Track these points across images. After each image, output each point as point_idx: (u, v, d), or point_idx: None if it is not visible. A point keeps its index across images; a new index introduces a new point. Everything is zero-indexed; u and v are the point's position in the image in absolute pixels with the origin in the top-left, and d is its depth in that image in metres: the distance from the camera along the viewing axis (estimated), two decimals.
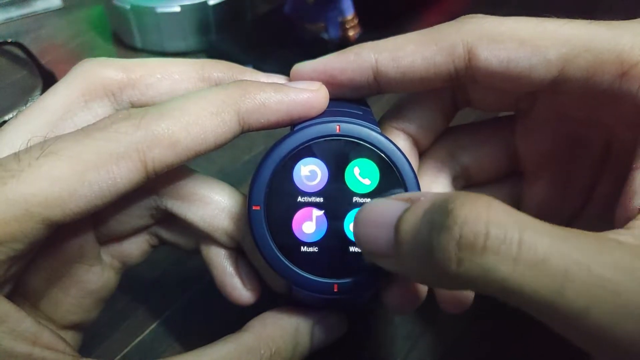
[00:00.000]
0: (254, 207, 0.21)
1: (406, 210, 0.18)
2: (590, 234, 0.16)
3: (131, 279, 0.27)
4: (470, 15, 0.22)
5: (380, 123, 0.26)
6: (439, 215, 0.16)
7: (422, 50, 0.22)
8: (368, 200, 0.22)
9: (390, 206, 0.19)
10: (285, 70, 0.24)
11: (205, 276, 0.26)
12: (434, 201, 0.17)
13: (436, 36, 0.22)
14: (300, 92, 0.22)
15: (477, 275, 0.15)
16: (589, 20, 0.21)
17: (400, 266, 0.18)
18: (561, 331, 0.16)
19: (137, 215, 0.24)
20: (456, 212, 0.15)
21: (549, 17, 0.21)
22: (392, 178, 0.22)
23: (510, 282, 0.15)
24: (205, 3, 0.50)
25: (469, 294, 0.24)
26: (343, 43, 0.47)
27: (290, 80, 0.24)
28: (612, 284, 0.14)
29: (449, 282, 0.17)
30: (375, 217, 0.19)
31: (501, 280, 0.15)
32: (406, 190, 0.22)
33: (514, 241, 0.15)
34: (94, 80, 0.23)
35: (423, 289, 0.24)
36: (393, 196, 0.20)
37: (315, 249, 0.22)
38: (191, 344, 0.22)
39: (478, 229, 0.15)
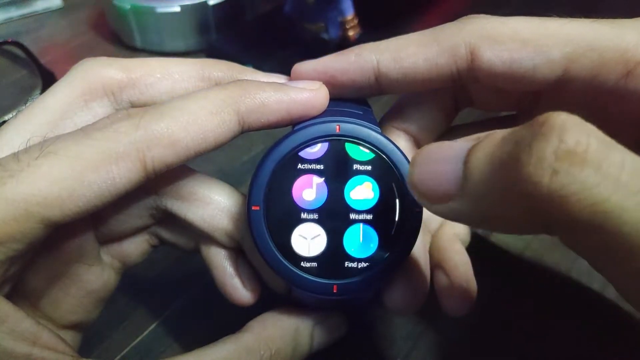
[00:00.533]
0: (253, 208, 0.21)
1: (479, 142, 0.16)
2: None
3: (131, 279, 0.27)
4: (472, 15, 0.22)
5: (381, 123, 0.26)
6: (528, 130, 0.14)
7: (424, 51, 0.22)
8: (367, 199, 0.22)
9: (456, 143, 0.17)
10: (285, 70, 0.24)
11: (205, 276, 0.26)
12: (514, 128, 0.15)
13: (438, 37, 0.22)
14: (300, 91, 0.22)
15: (572, 192, 0.13)
16: (592, 19, 0.21)
17: (466, 205, 0.16)
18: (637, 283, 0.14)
19: (136, 215, 0.24)
20: (553, 119, 0.14)
21: (551, 16, 0.21)
22: (392, 179, 0.21)
23: (608, 204, 0.13)
24: (205, 3, 0.50)
25: (471, 296, 0.24)
26: (343, 43, 0.47)
27: (290, 79, 0.24)
28: None
29: (528, 211, 0.14)
30: (439, 152, 0.17)
31: (599, 202, 0.13)
32: (407, 192, 0.22)
33: (617, 161, 0.13)
34: (93, 79, 0.23)
35: (424, 289, 0.24)
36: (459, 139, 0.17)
37: (314, 249, 0.22)
38: (191, 344, 0.22)
39: (580, 137, 0.13)
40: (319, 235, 0.22)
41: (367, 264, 0.22)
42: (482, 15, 0.22)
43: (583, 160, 0.13)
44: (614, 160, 0.13)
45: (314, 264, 0.22)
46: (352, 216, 0.22)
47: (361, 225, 0.22)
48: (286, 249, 0.22)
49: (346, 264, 0.22)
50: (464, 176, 0.16)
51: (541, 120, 0.14)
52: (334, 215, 0.22)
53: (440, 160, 0.17)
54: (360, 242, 0.22)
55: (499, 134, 0.15)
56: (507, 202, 0.15)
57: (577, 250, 0.15)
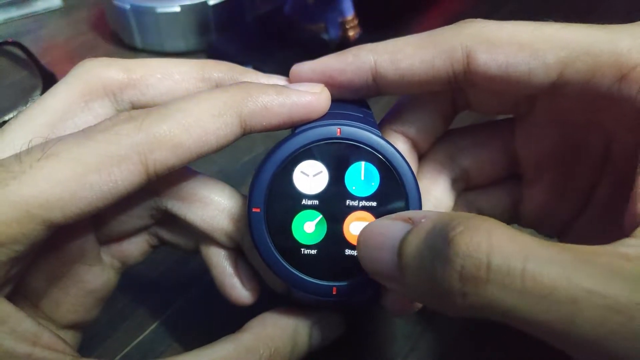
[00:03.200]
0: (253, 209, 0.21)
1: (408, 233, 0.17)
2: (598, 250, 0.16)
3: (131, 279, 0.27)
4: (470, 19, 0.22)
5: (380, 126, 0.26)
6: (441, 242, 0.16)
7: (421, 53, 0.22)
8: (368, 203, 0.22)
9: (392, 228, 0.18)
10: (285, 71, 0.24)
11: (205, 276, 0.26)
12: (435, 225, 0.17)
13: (435, 39, 0.22)
14: (302, 94, 0.22)
15: (482, 307, 0.15)
16: (588, 24, 0.21)
17: (406, 290, 0.18)
18: (576, 356, 0.16)
19: (137, 215, 0.24)
20: (457, 242, 0.15)
21: (547, 20, 0.21)
22: (392, 181, 0.22)
23: (517, 312, 0.15)
24: (205, 3, 0.50)
25: None
26: (343, 43, 0.48)
27: (289, 80, 0.24)
28: (627, 308, 0.14)
29: (456, 311, 0.16)
30: (378, 239, 0.19)
31: (508, 312, 0.15)
32: (406, 193, 0.22)
33: (517, 272, 0.14)
34: (94, 80, 0.23)
35: None
36: (394, 215, 0.20)
37: (314, 252, 0.22)
38: (191, 344, 0.22)
39: (480, 261, 0.15)
40: (319, 237, 0.22)
41: None
42: (479, 20, 0.22)
43: (486, 281, 0.15)
44: (514, 273, 0.14)
45: (314, 266, 0.22)
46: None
47: (360, 227, 0.22)
48: (286, 251, 0.22)
49: (346, 267, 0.22)
50: (399, 267, 0.18)
51: (449, 238, 0.15)
52: (334, 218, 0.22)
53: (379, 247, 0.19)
54: None
55: (423, 228, 0.17)
56: (435, 299, 0.17)
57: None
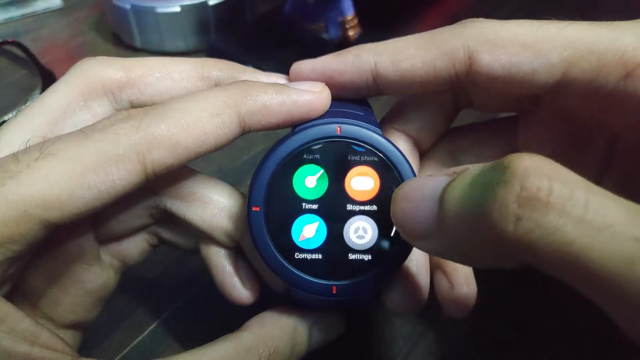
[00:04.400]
0: (253, 208, 0.21)
1: (453, 180, 0.16)
2: None
3: (131, 279, 0.27)
4: (471, 19, 0.22)
5: (381, 124, 0.26)
6: (494, 173, 0.14)
7: (422, 54, 0.22)
8: (368, 203, 0.22)
9: (433, 179, 0.17)
10: (285, 71, 0.24)
11: (204, 276, 0.26)
12: (484, 167, 0.15)
13: (437, 40, 0.22)
14: (302, 93, 0.22)
15: (537, 238, 0.13)
16: (591, 22, 0.21)
17: (443, 243, 0.17)
18: (621, 312, 0.14)
19: (136, 214, 0.24)
20: (515, 165, 0.14)
21: (549, 19, 0.21)
22: (392, 180, 0.22)
23: (575, 246, 0.13)
24: (205, 3, 0.50)
25: (471, 299, 0.24)
26: (343, 43, 0.47)
27: (289, 79, 0.24)
28: None
29: (501, 252, 0.15)
30: (416, 191, 0.18)
31: (565, 244, 0.13)
32: None
33: (581, 201, 0.13)
34: (93, 79, 0.23)
35: (424, 291, 0.24)
36: (435, 173, 0.18)
37: (314, 250, 0.22)
38: (191, 344, 0.22)
39: (541, 183, 0.14)
40: (319, 237, 0.22)
41: (367, 265, 0.22)
42: (481, 19, 0.22)
43: (546, 205, 0.13)
44: (577, 201, 0.13)
45: (314, 265, 0.22)
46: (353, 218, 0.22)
47: (361, 227, 0.22)
48: (286, 250, 0.22)
49: (346, 266, 0.22)
50: (439, 217, 0.16)
51: (505, 164, 0.14)
52: (334, 217, 0.22)
53: (417, 199, 0.18)
54: (360, 242, 0.22)
55: (469, 172, 0.16)
56: (479, 245, 0.15)
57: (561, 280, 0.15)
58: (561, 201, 0.13)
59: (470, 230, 0.15)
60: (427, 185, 0.17)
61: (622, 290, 0.13)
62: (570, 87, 0.21)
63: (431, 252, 0.18)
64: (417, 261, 0.24)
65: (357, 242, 0.22)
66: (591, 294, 0.14)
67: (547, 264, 0.14)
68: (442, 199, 0.16)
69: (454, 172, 0.17)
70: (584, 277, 0.13)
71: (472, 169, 0.16)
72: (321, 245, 0.22)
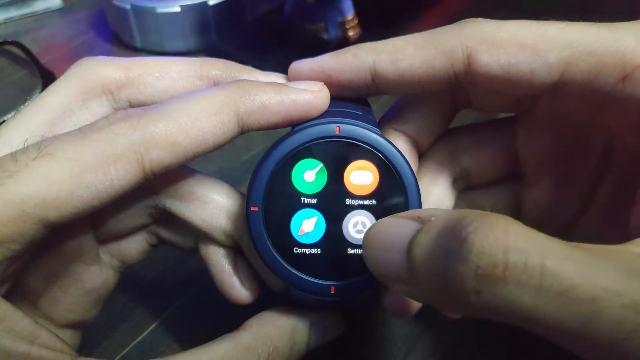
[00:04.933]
0: (252, 208, 0.21)
1: (418, 233, 0.17)
2: (612, 249, 0.15)
3: (131, 278, 0.27)
4: (470, 19, 0.22)
5: (380, 124, 0.26)
6: (454, 241, 0.15)
7: (421, 53, 0.22)
8: (367, 202, 0.22)
9: (400, 227, 0.18)
10: (285, 70, 0.24)
11: (204, 276, 0.26)
12: (446, 223, 0.16)
13: (435, 39, 0.22)
14: (301, 92, 0.22)
15: (497, 306, 0.14)
16: (590, 23, 0.21)
17: (416, 292, 0.18)
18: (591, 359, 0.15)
19: (135, 214, 0.24)
20: (471, 240, 0.15)
21: (548, 19, 0.21)
22: (391, 180, 0.22)
23: (534, 312, 0.14)
24: (205, 3, 0.50)
25: None
26: (343, 43, 0.47)
27: (288, 78, 0.24)
28: None
29: (469, 310, 0.16)
30: (385, 240, 0.18)
31: (524, 311, 0.14)
32: (406, 192, 0.22)
33: (536, 269, 0.14)
34: (92, 79, 0.23)
35: None
36: (402, 214, 0.19)
37: (313, 251, 0.22)
38: (191, 344, 0.22)
39: (496, 258, 0.14)
40: (318, 231, 0.22)
41: (365, 265, 0.22)
42: (480, 19, 0.22)
43: (502, 279, 0.14)
44: (533, 270, 0.14)
45: (313, 263, 0.22)
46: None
47: (360, 221, 0.22)
48: (285, 250, 0.22)
49: (345, 262, 0.22)
50: (408, 268, 0.17)
51: (463, 236, 0.15)
52: (333, 211, 0.22)
53: (388, 248, 0.18)
54: (359, 242, 0.22)
55: (434, 227, 0.16)
56: (449, 301, 0.16)
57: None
58: (517, 273, 0.14)
59: (437, 289, 0.16)
60: (394, 233, 0.18)
61: (584, 341, 0.14)
62: (568, 88, 0.21)
63: (409, 297, 0.19)
64: None
65: (356, 237, 0.22)
66: (560, 344, 0.15)
67: (512, 324, 0.15)
68: (409, 253, 0.17)
69: (419, 217, 0.18)
70: (547, 333, 0.14)
71: (436, 222, 0.17)
72: (320, 239, 0.22)
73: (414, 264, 0.17)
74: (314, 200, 0.21)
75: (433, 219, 0.17)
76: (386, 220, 0.19)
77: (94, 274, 0.24)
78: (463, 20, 0.22)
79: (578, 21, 0.21)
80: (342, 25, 0.47)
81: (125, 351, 0.29)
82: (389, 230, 0.18)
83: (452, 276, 0.15)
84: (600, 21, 0.21)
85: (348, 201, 0.22)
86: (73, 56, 0.53)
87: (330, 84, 0.23)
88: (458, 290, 0.15)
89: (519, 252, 0.14)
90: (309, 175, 0.22)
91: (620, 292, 0.14)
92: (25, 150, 0.18)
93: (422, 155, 0.26)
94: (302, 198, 0.21)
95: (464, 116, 0.27)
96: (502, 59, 0.21)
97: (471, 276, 0.15)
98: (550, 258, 0.14)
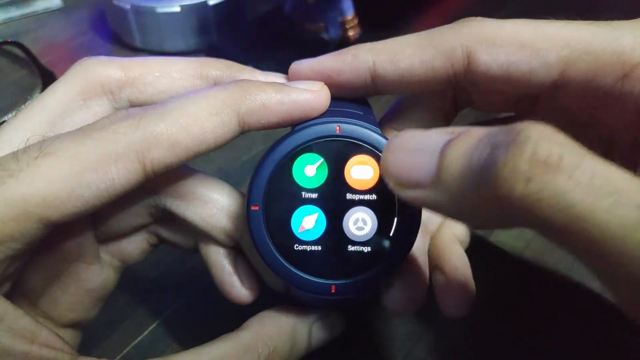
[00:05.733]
0: (252, 207, 0.21)
1: (455, 137, 0.17)
2: None
3: (131, 278, 0.27)
4: (470, 18, 0.22)
5: (380, 124, 0.26)
6: (505, 136, 0.15)
7: (421, 53, 0.22)
8: (367, 197, 0.21)
9: (433, 133, 0.18)
10: (285, 71, 0.24)
11: (204, 276, 0.26)
12: (491, 129, 0.16)
13: (435, 39, 0.22)
14: (301, 92, 0.22)
15: (545, 198, 0.14)
16: (589, 22, 0.21)
17: (439, 197, 0.17)
18: (616, 280, 0.14)
19: (135, 213, 0.24)
20: (529, 130, 0.14)
21: (548, 18, 0.21)
22: None
23: (579, 208, 0.14)
24: (205, 3, 0.50)
25: (470, 298, 0.24)
26: (343, 43, 0.48)
27: (288, 78, 0.24)
28: None
29: (503, 213, 0.15)
30: (415, 140, 0.18)
31: (571, 206, 0.14)
32: None
33: (589, 169, 0.14)
34: (92, 78, 0.23)
35: (423, 290, 0.24)
36: (434, 129, 0.18)
37: (313, 250, 0.22)
38: (190, 344, 0.22)
39: (553, 149, 0.14)
40: (319, 228, 0.22)
41: (366, 261, 0.22)
42: (479, 18, 0.22)
43: (556, 169, 0.14)
44: (585, 168, 0.14)
45: (313, 264, 0.22)
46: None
47: (360, 218, 0.22)
48: (285, 249, 0.22)
49: (345, 259, 0.22)
50: (438, 169, 0.17)
51: (517, 129, 0.15)
52: (334, 207, 0.22)
53: (415, 150, 0.18)
54: (360, 240, 0.22)
55: (475, 132, 0.16)
56: (480, 201, 0.16)
57: (559, 246, 0.15)
58: (570, 167, 0.14)
59: (473, 186, 0.16)
60: (426, 137, 0.18)
61: (621, 256, 0.13)
62: (567, 87, 0.21)
63: (417, 203, 0.18)
64: (416, 260, 0.24)
65: (357, 234, 0.22)
66: (590, 260, 0.14)
67: (550, 227, 0.14)
68: (443, 154, 0.16)
69: (452, 132, 0.17)
70: (585, 241, 0.14)
71: (475, 130, 0.16)
72: (320, 236, 0.22)
73: (448, 163, 0.16)
74: (314, 195, 0.21)
75: (472, 128, 0.17)
76: (417, 130, 0.18)
77: (94, 274, 0.24)
78: (462, 20, 0.22)
79: (578, 20, 0.21)
80: (342, 25, 0.47)
81: (125, 351, 0.29)
82: (421, 135, 0.18)
83: (501, 164, 0.14)
84: (600, 20, 0.21)
85: (349, 196, 0.22)
86: (73, 56, 0.53)
87: (330, 84, 0.23)
88: (505, 181, 0.14)
89: (574, 151, 0.14)
90: (309, 170, 0.21)
91: None
92: (26, 149, 0.18)
93: None
94: (303, 193, 0.21)
95: (465, 116, 0.27)
96: (501, 58, 0.21)
97: (525, 161, 0.14)
98: (601, 164, 0.14)
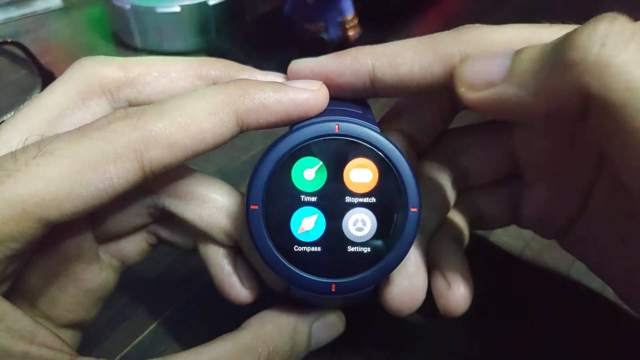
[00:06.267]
0: (252, 207, 0.21)
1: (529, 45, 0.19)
2: None
3: (131, 278, 0.27)
4: (468, 25, 0.22)
5: (380, 124, 0.26)
6: (575, 32, 0.17)
7: (420, 58, 0.22)
8: (367, 199, 0.22)
9: (504, 51, 0.20)
10: (284, 71, 0.24)
11: (204, 276, 0.26)
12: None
13: (434, 45, 0.22)
14: (300, 92, 0.22)
15: (613, 64, 0.16)
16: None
17: (508, 87, 0.19)
18: None
19: (134, 213, 0.24)
20: (601, 18, 0.17)
21: (545, 23, 0.21)
22: (390, 178, 0.22)
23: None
24: (205, 3, 0.50)
25: (468, 298, 0.24)
26: (343, 43, 0.47)
27: (287, 78, 0.24)
28: None
29: (570, 84, 0.17)
30: (487, 55, 0.20)
31: (635, 79, 0.15)
32: (405, 191, 0.22)
33: None
34: (91, 78, 0.23)
35: (422, 289, 0.24)
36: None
37: (313, 249, 0.22)
38: (190, 344, 0.22)
39: (627, 25, 0.16)
40: (318, 229, 0.22)
41: (365, 263, 0.22)
42: (477, 25, 0.22)
43: (629, 40, 0.16)
44: None
45: (313, 263, 0.22)
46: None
47: (360, 219, 0.22)
48: (285, 248, 0.22)
49: (345, 259, 0.22)
50: (511, 65, 0.19)
51: (591, 21, 0.17)
52: (333, 209, 0.22)
53: (489, 57, 0.20)
54: (359, 240, 0.22)
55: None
56: (548, 79, 0.18)
57: (594, 134, 0.18)
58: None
59: (544, 67, 0.18)
60: (497, 53, 0.20)
61: None
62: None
63: (489, 101, 0.20)
64: (415, 259, 0.24)
65: (356, 235, 0.22)
66: (628, 144, 0.16)
67: (608, 97, 0.16)
68: (517, 53, 0.19)
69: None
70: (630, 123, 0.16)
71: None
72: (320, 237, 0.22)
73: (522, 57, 0.19)
74: (313, 199, 0.21)
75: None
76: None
77: (94, 274, 0.24)
78: (461, 26, 0.22)
79: (574, 24, 0.21)
80: (342, 25, 0.47)
81: (125, 351, 0.29)
82: (490, 53, 0.20)
83: (576, 35, 0.16)
84: None
85: (348, 199, 0.22)
86: (73, 56, 0.53)
87: (329, 86, 0.23)
88: (581, 44, 0.16)
89: None
90: (308, 174, 0.21)
91: None
92: (25, 149, 0.19)
93: (422, 155, 0.27)
94: (302, 196, 0.21)
95: (463, 117, 0.27)
96: None
97: (603, 28, 0.16)
98: None
